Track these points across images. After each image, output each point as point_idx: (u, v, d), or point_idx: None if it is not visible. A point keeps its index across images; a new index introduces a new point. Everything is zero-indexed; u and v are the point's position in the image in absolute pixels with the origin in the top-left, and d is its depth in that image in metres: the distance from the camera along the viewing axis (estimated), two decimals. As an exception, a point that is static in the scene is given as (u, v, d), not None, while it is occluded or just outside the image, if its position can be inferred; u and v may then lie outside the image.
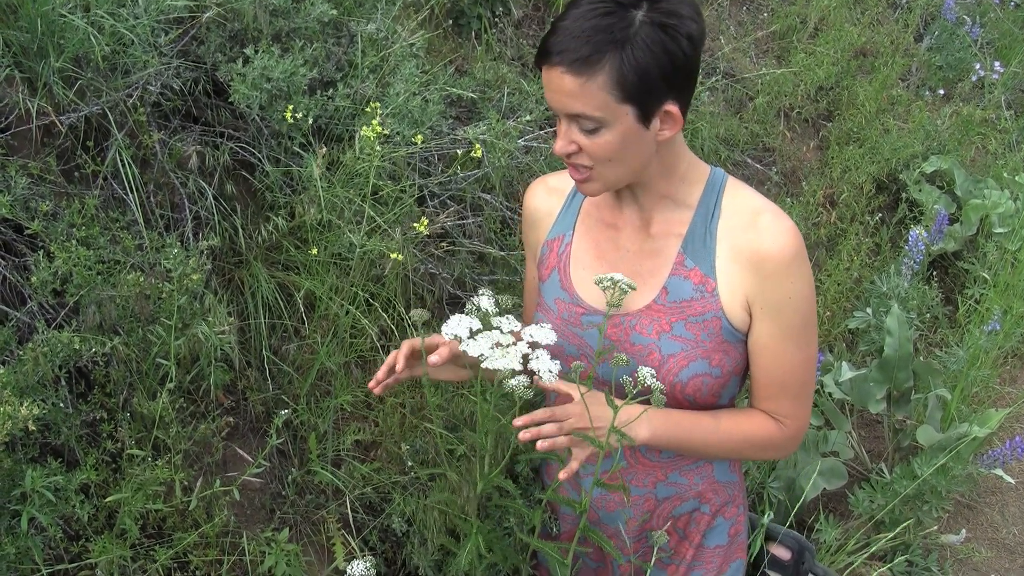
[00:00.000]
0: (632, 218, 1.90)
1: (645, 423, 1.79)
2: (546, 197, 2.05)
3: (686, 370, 1.82)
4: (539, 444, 1.69)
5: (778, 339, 1.82)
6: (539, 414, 1.71)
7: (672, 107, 1.70)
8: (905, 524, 3.42)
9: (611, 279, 1.70)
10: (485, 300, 1.77)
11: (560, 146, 1.74)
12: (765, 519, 2.28)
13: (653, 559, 1.98)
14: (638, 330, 1.85)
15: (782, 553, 2.29)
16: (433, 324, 1.88)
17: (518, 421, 1.70)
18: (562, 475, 1.72)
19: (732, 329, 1.82)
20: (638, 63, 1.63)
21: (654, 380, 1.67)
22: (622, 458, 1.95)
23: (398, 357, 1.85)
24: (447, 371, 1.95)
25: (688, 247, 1.83)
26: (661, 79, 1.65)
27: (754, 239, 1.78)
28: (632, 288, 1.70)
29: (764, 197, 1.86)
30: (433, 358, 1.81)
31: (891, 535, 3.24)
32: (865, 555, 3.21)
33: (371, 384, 1.86)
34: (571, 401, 1.75)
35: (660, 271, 1.86)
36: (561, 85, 1.66)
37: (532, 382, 1.71)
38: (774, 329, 1.81)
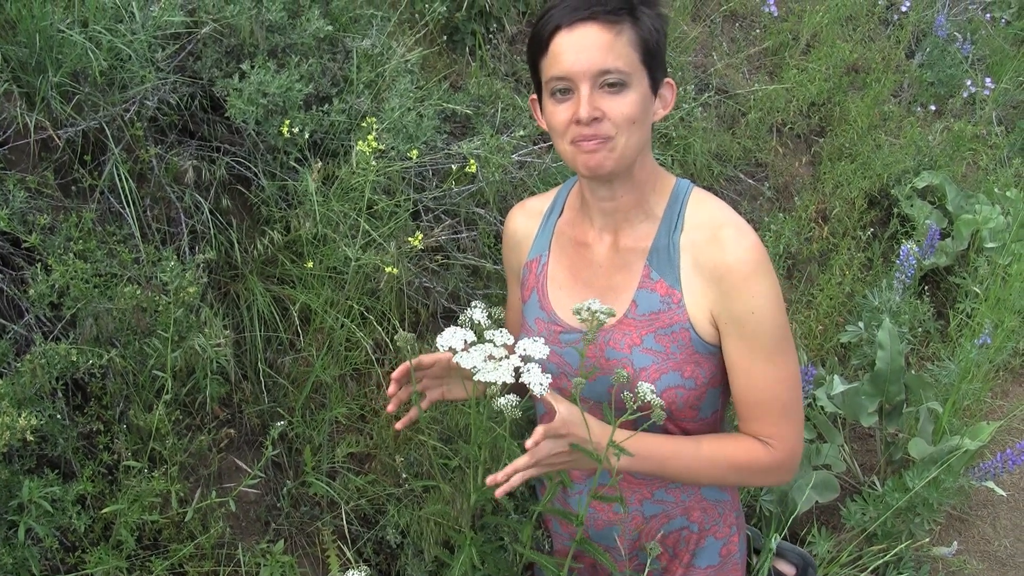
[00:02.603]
0: (603, 234, 1.92)
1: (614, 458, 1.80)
2: (525, 220, 2.07)
3: (659, 382, 1.82)
4: (499, 492, 1.70)
5: (747, 356, 1.82)
6: (519, 462, 1.70)
7: (670, 80, 1.80)
8: (897, 536, 3.43)
9: (588, 308, 1.71)
10: (478, 312, 1.78)
11: (587, 111, 1.72)
12: (772, 543, 2.28)
13: (647, 570, 1.98)
14: (612, 345, 1.86)
15: (786, 569, 2.30)
16: (419, 347, 1.90)
17: (491, 479, 1.70)
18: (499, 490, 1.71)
19: (702, 341, 1.83)
20: (651, 27, 1.74)
21: (654, 395, 1.68)
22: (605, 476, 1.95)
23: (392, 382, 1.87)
24: (458, 389, 1.96)
25: (653, 259, 1.85)
26: (660, 50, 1.77)
27: (715, 253, 1.79)
28: (611, 315, 1.71)
29: (729, 209, 1.87)
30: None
31: (883, 548, 3.26)
32: (858, 568, 3.22)
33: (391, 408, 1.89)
34: (556, 414, 1.73)
35: (629, 285, 1.87)
36: (594, 40, 1.71)
37: (520, 401, 1.72)
38: (742, 345, 1.81)
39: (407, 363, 1.84)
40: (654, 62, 1.76)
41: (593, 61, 1.71)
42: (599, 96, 1.73)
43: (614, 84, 1.72)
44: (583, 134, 1.75)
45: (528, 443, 1.68)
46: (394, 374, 1.84)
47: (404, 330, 1.91)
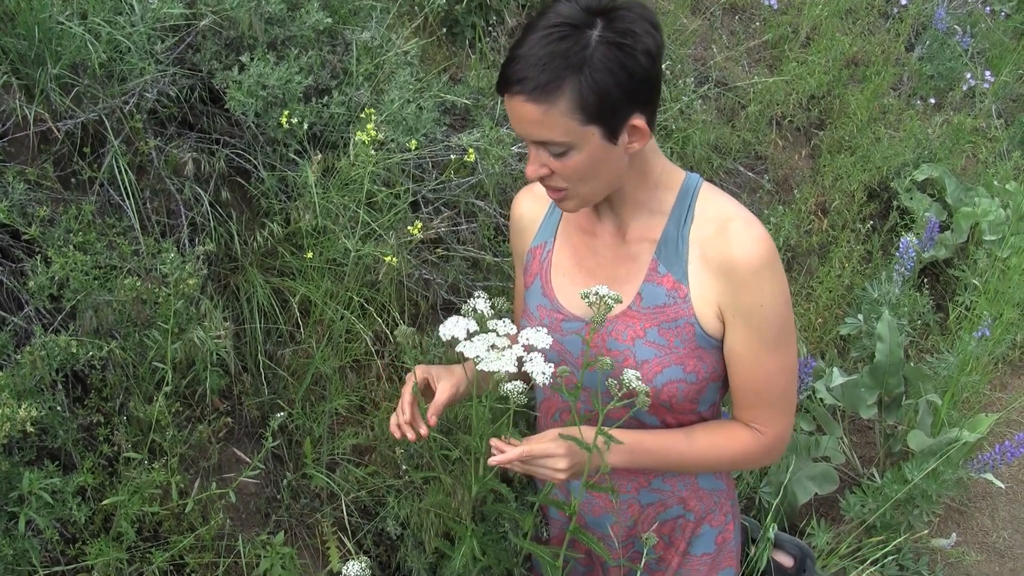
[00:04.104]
0: (609, 225, 1.92)
1: (616, 452, 1.81)
2: (531, 204, 2.07)
3: (660, 376, 1.83)
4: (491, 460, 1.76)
5: (752, 347, 1.82)
6: (513, 454, 1.74)
7: (638, 121, 1.70)
8: (896, 528, 3.44)
9: (596, 293, 1.71)
10: (481, 303, 1.79)
11: (532, 171, 1.75)
12: (770, 533, 2.29)
13: (643, 560, 1.99)
14: (614, 336, 1.87)
15: (784, 560, 2.30)
16: (419, 339, 1.90)
17: (493, 460, 1.76)
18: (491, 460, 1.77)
19: (705, 335, 1.83)
20: (597, 85, 1.64)
21: (639, 383, 1.69)
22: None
23: (405, 407, 1.90)
24: (453, 403, 1.97)
25: (661, 253, 1.84)
26: (623, 96, 1.66)
27: (724, 247, 1.79)
28: (618, 301, 1.71)
29: (737, 203, 1.86)
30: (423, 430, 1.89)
31: (882, 539, 3.26)
32: (856, 559, 3.23)
33: (411, 436, 1.89)
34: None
35: (635, 277, 1.87)
36: (524, 114, 1.67)
37: (528, 387, 1.74)
38: (747, 337, 1.82)
39: (411, 400, 1.89)
40: (607, 115, 1.67)
41: (528, 133, 1.70)
42: (546, 155, 1.73)
43: (554, 152, 1.71)
44: (543, 184, 1.80)
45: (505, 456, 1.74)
46: (405, 416, 1.89)
47: (404, 323, 1.92)
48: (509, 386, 1.72)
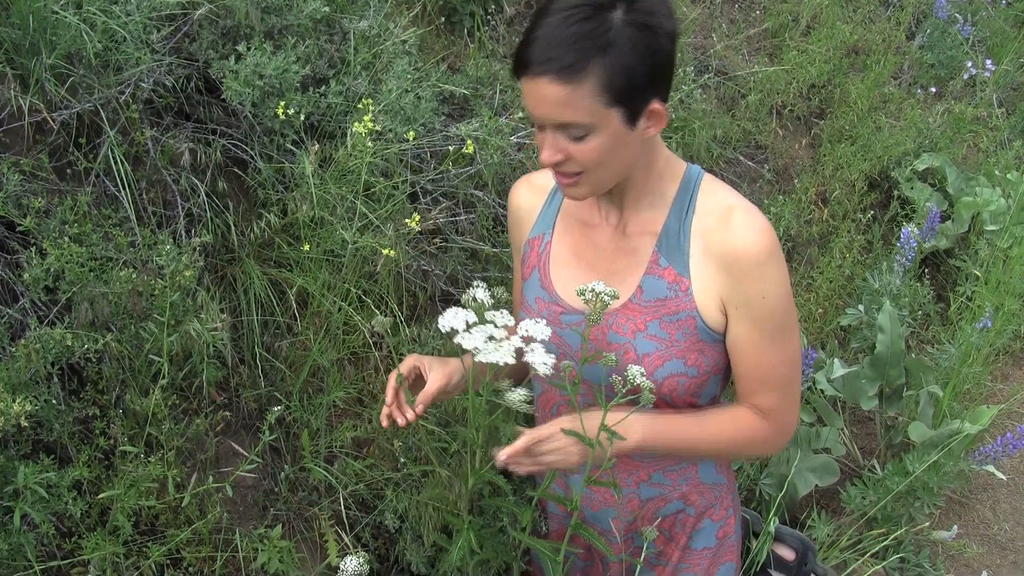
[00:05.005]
0: (609, 217, 1.90)
1: (631, 432, 1.79)
2: (529, 195, 2.05)
3: (661, 370, 1.82)
4: (514, 470, 1.75)
5: (755, 338, 1.81)
6: (520, 444, 1.73)
7: (657, 105, 1.69)
8: (897, 520, 3.43)
9: (592, 290, 1.70)
10: (481, 292, 1.77)
11: (547, 156, 1.72)
12: (771, 526, 2.28)
13: (643, 556, 1.98)
14: (614, 329, 1.85)
15: (786, 553, 2.29)
16: (417, 331, 1.89)
17: (501, 455, 1.74)
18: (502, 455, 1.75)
19: (707, 328, 1.81)
20: (625, 66, 1.62)
21: (643, 379, 1.67)
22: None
23: (389, 392, 1.90)
24: (446, 395, 1.96)
25: (662, 246, 1.83)
26: (647, 79, 1.65)
27: (726, 238, 1.78)
28: (615, 297, 1.70)
29: (739, 195, 1.85)
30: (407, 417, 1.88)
31: (883, 531, 3.25)
32: (857, 552, 3.22)
33: (401, 422, 1.89)
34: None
35: (636, 270, 1.86)
36: (547, 95, 1.65)
37: (531, 397, 1.73)
38: (750, 328, 1.80)
39: (395, 387, 1.89)
40: (630, 97, 1.66)
41: (549, 115, 1.67)
42: (563, 139, 1.70)
43: (575, 135, 1.69)
44: (554, 171, 1.77)
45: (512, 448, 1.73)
46: (388, 400, 1.89)
47: (402, 315, 1.90)
48: (513, 396, 1.72)
